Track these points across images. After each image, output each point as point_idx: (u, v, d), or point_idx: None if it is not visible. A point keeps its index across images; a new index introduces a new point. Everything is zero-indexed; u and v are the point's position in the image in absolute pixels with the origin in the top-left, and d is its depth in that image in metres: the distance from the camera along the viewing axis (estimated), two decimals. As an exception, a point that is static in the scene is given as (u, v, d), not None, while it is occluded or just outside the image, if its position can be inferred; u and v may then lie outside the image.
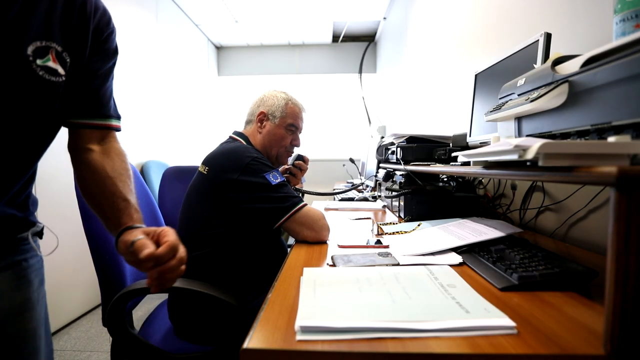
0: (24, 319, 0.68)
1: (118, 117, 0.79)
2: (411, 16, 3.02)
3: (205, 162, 1.13)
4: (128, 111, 2.98)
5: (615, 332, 0.39)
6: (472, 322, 0.48)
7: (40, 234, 0.74)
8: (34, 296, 0.70)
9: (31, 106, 0.62)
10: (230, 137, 1.28)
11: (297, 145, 1.33)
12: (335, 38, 4.95)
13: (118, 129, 0.79)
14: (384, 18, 4.26)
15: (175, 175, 1.84)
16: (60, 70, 0.63)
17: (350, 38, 5.01)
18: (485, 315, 0.51)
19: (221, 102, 5.23)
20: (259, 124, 1.27)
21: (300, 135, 1.34)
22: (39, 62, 0.60)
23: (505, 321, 0.49)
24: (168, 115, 3.73)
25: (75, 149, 0.74)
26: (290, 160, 1.44)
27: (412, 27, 3.01)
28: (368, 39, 5.02)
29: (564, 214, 1.03)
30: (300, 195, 1.27)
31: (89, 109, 0.73)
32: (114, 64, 0.76)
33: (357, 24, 4.56)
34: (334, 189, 2.20)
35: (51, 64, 0.62)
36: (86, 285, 2.38)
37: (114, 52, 0.75)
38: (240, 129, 1.32)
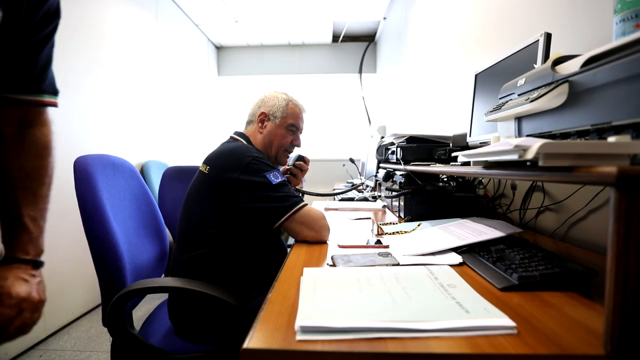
0: None
1: (54, 92, 0.66)
2: (411, 16, 3.02)
3: (206, 162, 1.13)
4: (128, 111, 2.98)
5: (615, 332, 0.39)
6: (472, 322, 0.48)
7: None
8: None
9: None
10: (231, 137, 1.28)
11: (298, 146, 1.33)
12: (335, 38, 4.95)
13: (53, 105, 0.67)
14: (384, 18, 4.26)
15: (175, 175, 1.84)
16: None
17: (350, 38, 5.01)
18: (485, 315, 0.51)
19: (221, 102, 5.23)
20: (259, 124, 1.27)
21: (301, 136, 1.34)
22: None
23: (505, 321, 0.49)
24: (168, 115, 3.73)
25: None
26: (290, 160, 1.44)
27: (412, 27, 3.01)
28: (368, 39, 5.02)
29: (564, 214, 1.03)
30: (301, 195, 1.27)
31: (14, 80, 0.61)
32: (55, 28, 0.65)
33: (357, 24, 4.56)
34: (334, 189, 2.20)
35: None
36: (86, 285, 2.38)
37: (54, 14, 0.64)
38: (241, 130, 1.32)
